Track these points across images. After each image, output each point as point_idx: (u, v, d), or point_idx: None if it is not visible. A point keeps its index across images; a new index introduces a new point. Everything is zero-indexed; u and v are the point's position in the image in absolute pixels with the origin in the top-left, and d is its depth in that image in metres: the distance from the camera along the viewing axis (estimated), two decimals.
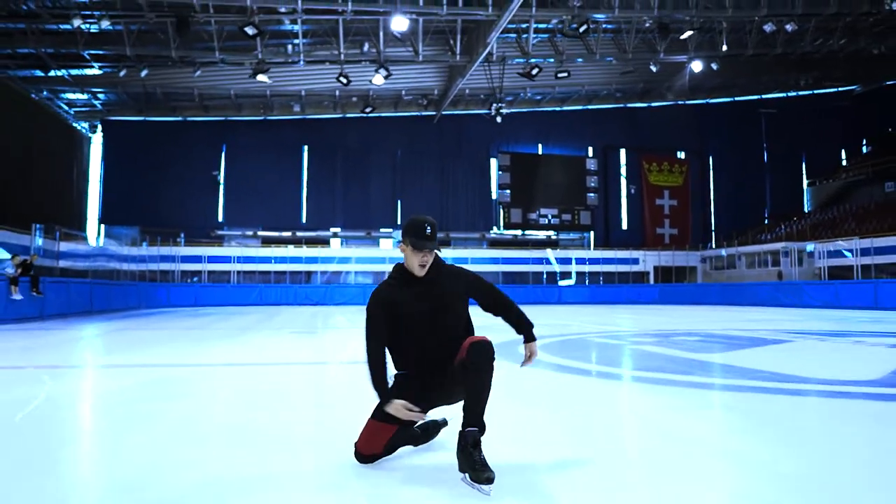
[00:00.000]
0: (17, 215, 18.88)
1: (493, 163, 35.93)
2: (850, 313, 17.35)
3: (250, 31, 20.40)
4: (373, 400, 2.54)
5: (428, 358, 2.47)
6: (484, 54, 23.48)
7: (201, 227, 31.72)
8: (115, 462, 2.66)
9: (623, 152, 38.25)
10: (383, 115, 33.50)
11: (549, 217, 35.93)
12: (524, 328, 2.62)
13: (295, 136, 33.60)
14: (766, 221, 38.00)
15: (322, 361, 6.86)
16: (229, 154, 33.48)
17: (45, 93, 28.29)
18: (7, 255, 13.78)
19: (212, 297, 27.19)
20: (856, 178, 35.56)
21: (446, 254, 30.60)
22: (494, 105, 27.65)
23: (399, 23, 21.51)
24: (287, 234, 33.40)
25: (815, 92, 37.94)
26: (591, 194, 36.62)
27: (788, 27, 24.39)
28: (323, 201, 34.36)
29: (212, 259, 29.53)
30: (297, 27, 23.44)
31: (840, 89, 38.30)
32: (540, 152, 37.04)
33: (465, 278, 2.59)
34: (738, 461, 2.61)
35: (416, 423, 2.57)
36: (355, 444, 2.51)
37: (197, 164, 32.56)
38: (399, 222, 33.93)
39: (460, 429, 2.26)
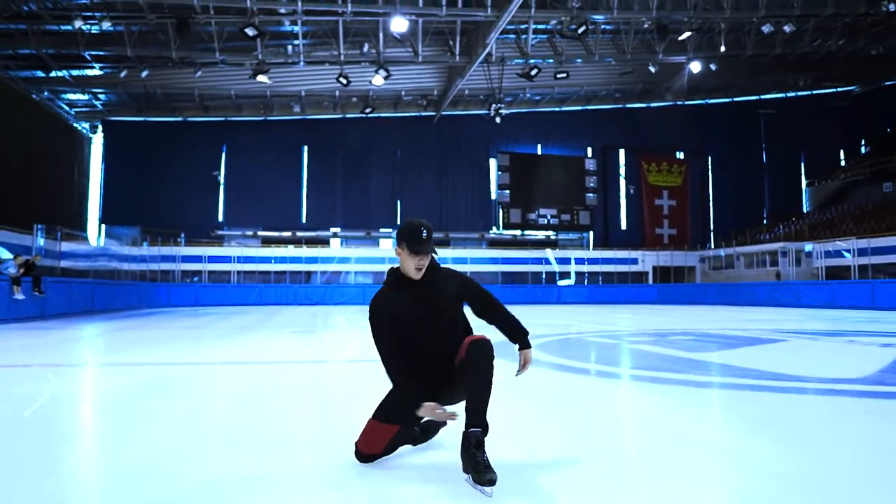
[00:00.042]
0: (17, 215, 18.99)
1: (493, 163, 36.02)
2: (846, 313, 17.45)
3: (250, 32, 20.49)
4: (373, 399, 2.57)
5: (428, 359, 2.46)
6: (483, 55, 23.58)
7: (201, 227, 31.81)
8: (115, 461, 2.68)
9: (622, 152, 38.34)
10: (383, 115, 33.60)
11: (549, 217, 36.02)
12: (518, 336, 2.58)
13: (295, 137, 33.70)
14: (764, 221, 38.08)
15: (322, 360, 6.94)
16: (229, 154, 33.58)
17: (45, 93, 28.39)
18: (9, 256, 13.88)
19: (212, 297, 27.30)
20: (854, 179, 35.66)
21: (446, 254, 30.70)
22: (494, 105, 27.75)
23: (398, 24, 21.62)
24: (287, 234, 33.50)
25: (814, 92, 38.05)
26: (591, 194, 36.71)
27: (787, 28, 24.50)
28: (323, 201, 34.46)
29: (212, 259, 29.63)
30: (297, 28, 23.54)
31: (839, 90, 38.40)
32: (539, 153, 37.12)
33: (458, 281, 2.58)
34: (729, 457, 2.69)
35: (420, 422, 2.61)
36: (355, 443, 2.51)
37: (197, 165, 32.66)
38: (399, 222, 34.04)
39: (464, 429, 2.24)
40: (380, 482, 2.28)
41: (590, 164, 37.03)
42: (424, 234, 2.43)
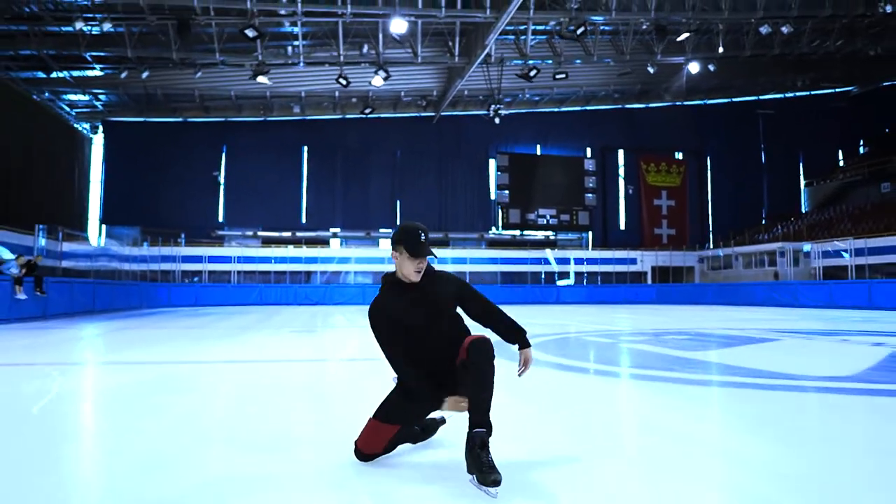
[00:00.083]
0: (17, 215, 19.10)
1: (492, 163, 36.13)
2: (843, 313, 17.55)
3: (250, 33, 20.59)
4: (372, 398, 2.60)
5: (429, 360, 2.46)
6: (482, 56, 23.68)
7: (202, 228, 31.92)
8: (115, 460, 2.69)
9: (621, 153, 38.45)
10: (383, 115, 33.71)
11: (548, 217, 36.12)
12: (517, 336, 2.58)
13: (295, 137, 33.81)
14: (763, 222, 38.18)
15: (321, 359, 7.03)
16: (229, 155, 33.68)
17: (46, 94, 28.49)
18: (11, 256, 13.98)
19: (212, 297, 27.40)
20: (852, 179, 35.75)
21: (445, 254, 30.83)
22: (493, 106, 27.86)
23: (398, 25, 21.71)
24: (287, 234, 33.61)
25: (813, 93, 38.17)
26: (590, 195, 36.81)
27: (784, 29, 24.61)
28: (322, 202, 34.57)
29: (212, 259, 29.73)
30: (296, 29, 23.63)
31: (837, 90, 38.52)
32: (538, 153, 37.23)
33: (455, 284, 2.58)
34: (721, 454, 2.78)
35: (421, 422, 2.65)
36: (355, 442, 2.52)
37: (197, 165, 32.77)
38: (398, 222, 34.13)
39: (468, 430, 2.24)
40: (380, 481, 2.28)
41: (589, 165, 37.14)
42: (423, 237, 2.45)
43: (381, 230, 34.17)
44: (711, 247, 35.88)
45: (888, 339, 8.19)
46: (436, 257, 2.48)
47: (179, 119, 32.49)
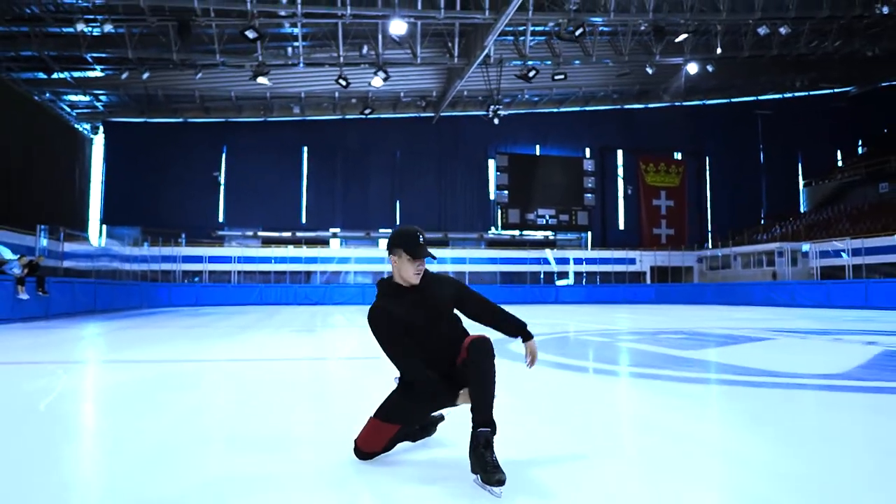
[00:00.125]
0: (18, 216, 19.19)
1: (491, 164, 36.23)
2: (839, 312, 17.65)
3: (251, 34, 20.70)
4: (371, 396, 2.65)
5: (430, 361, 2.45)
6: (481, 57, 23.78)
7: (202, 228, 32.03)
8: (116, 458, 2.70)
9: (620, 153, 38.56)
10: (382, 116, 33.82)
11: (547, 217, 36.23)
12: (519, 330, 2.60)
13: (295, 138, 33.93)
14: (762, 222, 38.30)
15: (321, 357, 7.12)
16: (230, 155, 33.80)
17: (47, 95, 28.60)
18: (14, 256, 14.08)
19: (212, 297, 27.50)
20: (851, 179, 35.87)
21: (445, 254, 30.94)
22: (492, 107, 27.98)
23: (397, 26, 21.82)
24: (287, 234, 33.73)
25: (811, 93, 38.29)
26: (589, 195, 36.92)
27: (782, 30, 24.73)
28: (322, 202, 34.68)
29: (212, 259, 29.84)
30: (296, 30, 23.75)
31: (836, 90, 38.63)
32: (537, 153, 37.35)
33: (453, 285, 2.60)
34: (711, 448, 2.88)
35: (422, 421, 2.66)
36: (355, 441, 2.52)
37: (198, 165, 32.88)
38: (398, 222, 34.25)
39: (472, 429, 2.24)
40: (380, 480, 2.28)
41: (588, 165, 37.25)
42: (421, 239, 2.47)
43: (381, 230, 34.29)
44: (710, 247, 35.98)
45: (881, 338, 8.30)
46: (434, 258, 2.48)
47: (180, 119, 32.60)
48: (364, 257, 31.40)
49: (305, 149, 34.66)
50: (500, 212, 35.79)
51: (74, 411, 3.94)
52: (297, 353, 7.42)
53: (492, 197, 36.29)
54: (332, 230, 34.46)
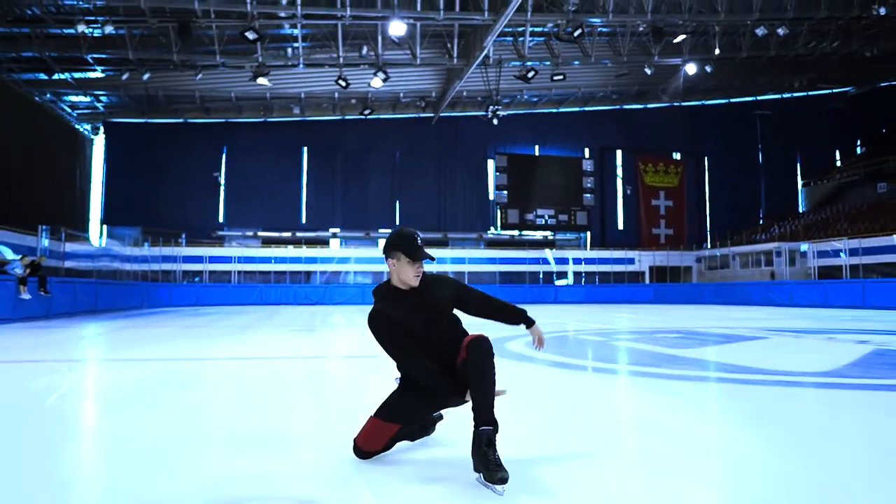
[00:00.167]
0: (19, 216, 19.28)
1: (491, 164, 36.34)
2: (835, 312, 17.75)
3: (251, 35, 20.81)
4: (371, 394, 2.70)
5: (430, 362, 2.45)
6: (481, 58, 23.87)
7: (202, 228, 32.14)
8: (116, 457, 2.71)
9: (619, 153, 38.67)
10: (382, 117, 33.93)
11: (546, 217, 36.33)
12: (520, 317, 2.64)
13: (295, 138, 34.03)
14: (760, 222, 38.40)
15: (321, 356, 7.21)
16: (230, 155, 33.90)
17: (48, 95, 28.69)
18: (15, 256, 14.18)
19: (213, 297, 27.61)
20: (849, 179, 35.96)
21: (444, 254, 31.06)
22: (491, 107, 28.10)
23: (397, 27, 21.92)
24: (287, 234, 33.84)
25: (810, 93, 38.39)
26: (588, 195, 37.02)
27: (780, 31, 24.81)
28: (322, 202, 34.79)
29: (213, 259, 29.95)
30: (296, 31, 23.87)
31: (834, 91, 38.74)
32: (537, 153, 37.46)
33: (451, 285, 2.60)
34: (700, 443, 2.97)
35: (427, 422, 2.66)
36: (355, 440, 2.50)
37: (198, 166, 32.99)
38: (398, 223, 34.38)
39: (474, 428, 2.24)
40: (380, 479, 2.28)
41: (587, 165, 37.35)
42: (419, 241, 2.48)
43: (381, 230, 34.38)
44: (709, 247, 36.07)
45: (873, 338, 8.39)
46: (433, 259, 2.50)
47: (180, 120, 32.71)
48: (364, 257, 31.51)
49: (305, 149, 34.77)
50: (499, 212, 35.89)
51: (75, 409, 3.98)
52: (296, 352, 7.48)
53: (491, 197, 36.39)
54: (331, 230, 34.57)
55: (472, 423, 2.25)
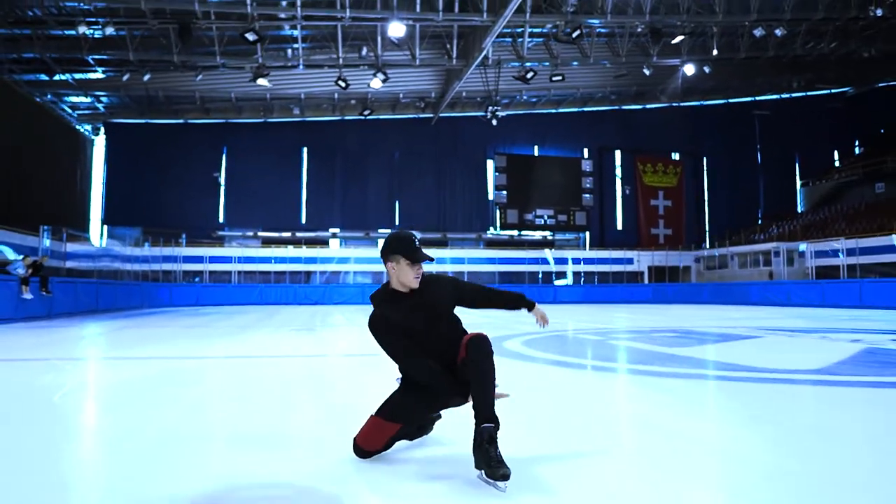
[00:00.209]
0: (20, 216, 19.36)
1: (490, 164, 36.43)
2: (832, 312, 17.86)
3: (251, 37, 20.91)
4: (371, 393, 2.75)
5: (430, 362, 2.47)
6: (480, 58, 23.98)
7: (202, 228, 32.25)
8: (116, 455, 2.72)
9: (618, 154, 38.77)
10: (381, 117, 34.03)
11: (545, 218, 36.43)
12: (520, 302, 2.67)
13: (294, 139, 34.14)
14: (759, 222, 38.50)
15: (321, 354, 7.30)
16: (230, 156, 34.00)
17: (49, 96, 28.78)
18: (17, 256, 14.28)
19: (213, 297, 27.71)
20: (848, 179, 36.05)
21: (444, 254, 31.17)
22: (490, 108, 28.21)
23: (396, 28, 22.01)
24: (287, 234, 33.95)
25: (808, 94, 38.50)
26: (587, 195, 37.12)
27: (778, 31, 24.89)
28: (322, 202, 34.89)
29: (213, 259, 30.05)
30: (296, 32, 23.98)
31: (833, 91, 38.84)
32: (536, 154, 37.56)
33: (450, 284, 2.60)
34: (692, 440, 3.07)
35: (426, 421, 2.66)
36: (355, 438, 2.50)
37: (198, 166, 33.08)
38: (397, 223, 34.51)
39: (475, 425, 2.24)
40: (380, 478, 2.29)
41: (586, 165, 37.45)
42: (417, 243, 2.49)
43: (380, 230, 34.47)
44: (707, 247, 36.19)
45: (866, 336, 8.50)
46: (433, 260, 2.50)
47: (180, 121, 32.80)
48: (363, 257, 31.59)
49: (305, 149, 34.86)
50: (498, 212, 35.98)
51: (77, 407, 4.04)
52: (297, 351, 7.57)
53: (490, 197, 36.49)
54: (331, 230, 34.67)
55: (473, 421, 2.25)
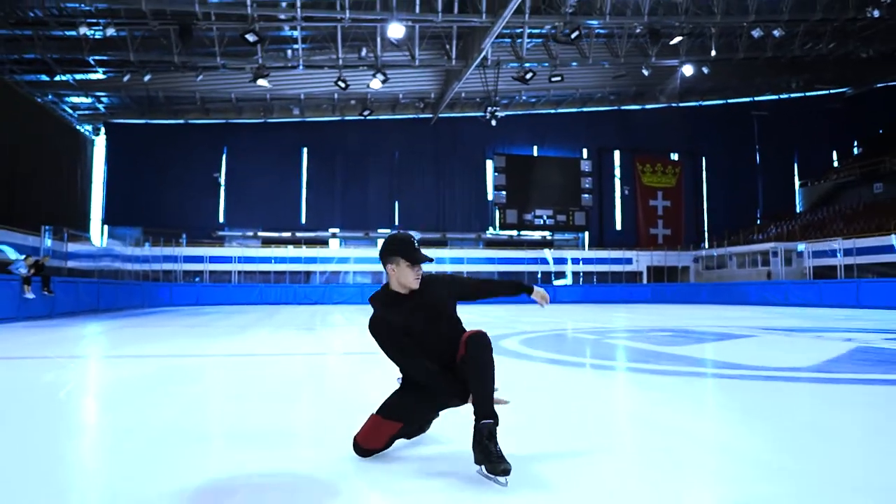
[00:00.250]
0: (21, 216, 19.43)
1: (489, 164, 36.52)
2: (829, 311, 17.95)
3: (251, 37, 21.00)
4: (371, 393, 2.79)
5: (430, 361, 2.48)
6: (479, 59, 24.07)
7: (203, 228, 32.34)
8: (116, 454, 2.73)
9: (617, 154, 38.86)
10: (381, 117, 34.11)
11: (545, 218, 36.52)
12: (519, 289, 2.72)
13: (294, 139, 34.22)
14: (758, 222, 38.58)
15: (321, 353, 7.37)
16: (230, 156, 34.09)
17: (49, 96, 28.85)
18: (19, 256, 14.36)
19: (213, 297, 27.79)
20: (846, 179, 36.14)
21: (443, 254, 31.27)
22: (490, 108, 28.30)
23: (395, 30, 22.10)
24: (287, 234, 34.03)
25: (807, 94, 38.60)
26: (586, 195, 37.21)
27: (776, 32, 25.00)
28: (322, 202, 34.97)
29: (213, 259, 30.14)
30: (296, 33, 24.06)
31: (831, 91, 38.93)
32: (535, 154, 37.64)
33: (446, 282, 2.62)
34: (690, 436, 3.17)
35: (426, 420, 2.66)
36: (355, 437, 2.50)
37: (198, 166, 33.17)
38: (397, 223, 34.60)
39: (474, 422, 2.25)
40: (380, 477, 2.29)
41: (585, 166, 37.55)
42: (416, 245, 2.51)
43: (380, 230, 34.56)
44: (706, 247, 36.27)
45: (858, 335, 8.59)
46: (432, 260, 2.51)
47: (181, 121, 32.87)
48: (363, 257, 31.67)
49: (305, 150, 34.95)
50: (497, 212, 36.07)
51: (78, 404, 4.08)
52: (296, 350, 7.64)
53: (490, 197, 36.57)
54: (331, 230, 34.75)
55: (473, 418, 2.27)
